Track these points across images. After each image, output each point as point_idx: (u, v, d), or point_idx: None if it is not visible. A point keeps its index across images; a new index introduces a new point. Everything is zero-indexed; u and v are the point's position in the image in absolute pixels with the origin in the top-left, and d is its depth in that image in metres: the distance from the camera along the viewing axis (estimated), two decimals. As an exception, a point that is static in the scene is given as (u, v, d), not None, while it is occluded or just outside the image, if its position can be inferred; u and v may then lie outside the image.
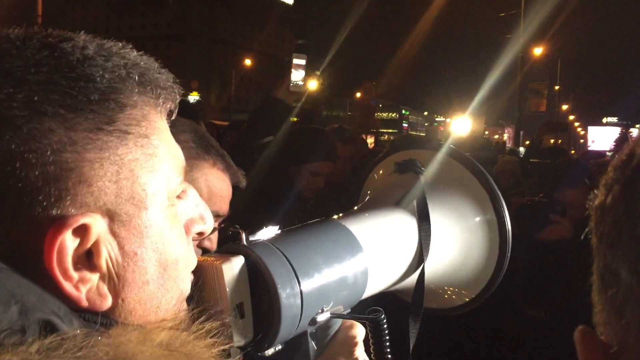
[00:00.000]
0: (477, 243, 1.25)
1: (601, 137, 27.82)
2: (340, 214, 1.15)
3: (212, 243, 1.44)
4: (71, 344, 0.56)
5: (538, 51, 31.01)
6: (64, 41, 0.65)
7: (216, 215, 1.38)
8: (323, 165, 3.37)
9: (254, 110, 3.75)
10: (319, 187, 3.39)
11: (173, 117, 0.77)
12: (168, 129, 0.75)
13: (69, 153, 0.61)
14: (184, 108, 0.79)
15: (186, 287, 0.77)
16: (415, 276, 1.17)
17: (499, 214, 1.22)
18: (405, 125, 72.41)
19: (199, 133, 1.50)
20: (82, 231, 0.63)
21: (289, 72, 3.29)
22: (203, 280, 0.88)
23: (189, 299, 0.79)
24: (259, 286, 0.91)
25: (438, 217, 1.21)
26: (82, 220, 0.62)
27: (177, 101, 0.76)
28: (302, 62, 3.39)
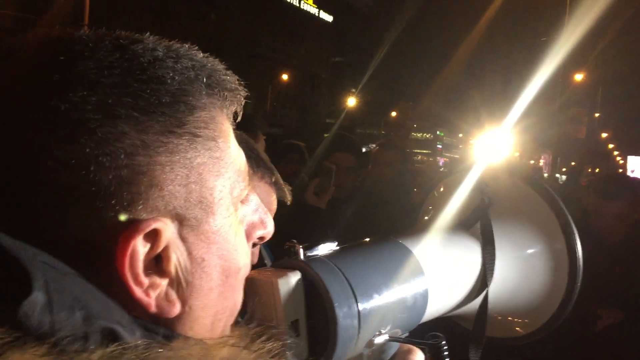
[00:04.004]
0: (544, 272, 1.19)
1: (641, 167, 27.06)
2: (400, 233, 1.10)
3: (254, 257, 1.42)
4: (132, 354, 0.54)
5: (579, 77, 30.50)
6: (134, 43, 0.64)
7: None
8: (341, 157, 3.41)
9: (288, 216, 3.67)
10: (343, 182, 3.42)
11: (238, 120, 0.75)
12: (232, 132, 0.73)
13: (142, 156, 0.60)
14: (242, 119, 0.78)
15: (240, 298, 0.75)
16: (476, 302, 1.11)
17: (570, 242, 1.16)
18: (439, 146, 71.95)
19: (249, 145, 1.51)
20: (153, 236, 0.61)
21: (316, 177, 3.34)
22: (259, 295, 0.85)
23: (242, 314, 0.77)
24: (315, 304, 0.87)
25: (503, 241, 1.15)
26: (154, 225, 0.60)
27: (242, 104, 0.74)
28: None
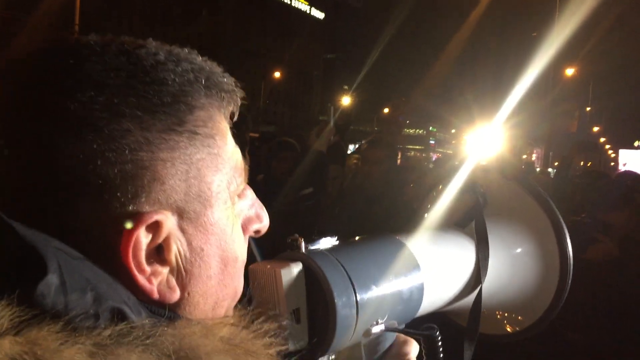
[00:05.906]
0: (536, 271, 1.24)
1: (633, 161, 27.24)
2: (398, 230, 1.15)
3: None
4: (140, 332, 0.58)
5: (570, 72, 30.62)
6: (138, 47, 0.68)
7: None
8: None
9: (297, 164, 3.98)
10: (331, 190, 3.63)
11: (235, 119, 0.79)
12: (229, 130, 0.77)
13: (145, 152, 0.64)
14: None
15: (240, 285, 0.79)
16: (470, 297, 1.16)
17: (561, 242, 1.21)
18: (432, 142, 72.07)
19: None
20: (155, 227, 0.65)
21: (319, 124, 3.50)
22: (262, 284, 0.89)
23: (242, 300, 0.81)
24: (316, 294, 0.92)
25: (496, 240, 1.20)
26: (156, 217, 0.65)
27: (239, 104, 0.78)
28: None
